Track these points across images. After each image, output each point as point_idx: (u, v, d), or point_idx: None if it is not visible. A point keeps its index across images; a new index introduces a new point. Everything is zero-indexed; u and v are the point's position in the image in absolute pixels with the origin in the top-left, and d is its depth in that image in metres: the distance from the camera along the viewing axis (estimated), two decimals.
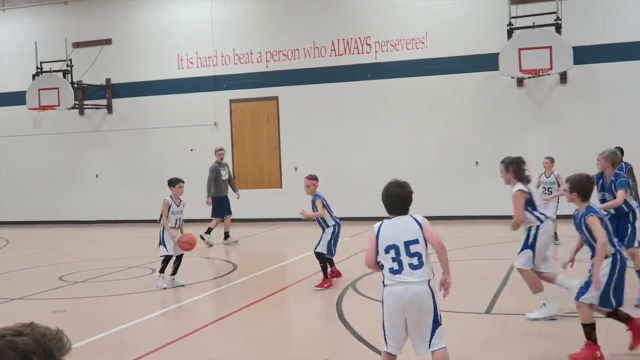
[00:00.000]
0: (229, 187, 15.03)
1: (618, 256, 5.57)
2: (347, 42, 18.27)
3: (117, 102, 20.52)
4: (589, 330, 5.60)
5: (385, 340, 4.75)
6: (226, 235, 14.73)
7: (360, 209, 15.77)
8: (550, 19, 15.49)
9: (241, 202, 17.96)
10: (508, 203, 7.56)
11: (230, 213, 14.89)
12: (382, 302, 4.73)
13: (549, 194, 12.42)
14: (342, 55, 18.31)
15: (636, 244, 7.84)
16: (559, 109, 16.68)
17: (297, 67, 18.66)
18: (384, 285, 4.71)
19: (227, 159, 19.35)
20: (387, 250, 4.67)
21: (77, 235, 18.25)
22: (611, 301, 5.55)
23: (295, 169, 17.82)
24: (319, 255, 9.27)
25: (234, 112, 19.40)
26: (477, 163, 17.06)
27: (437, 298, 4.64)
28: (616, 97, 16.20)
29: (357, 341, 6.59)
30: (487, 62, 16.23)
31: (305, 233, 15.35)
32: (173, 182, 9.96)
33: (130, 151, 20.34)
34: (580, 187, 5.70)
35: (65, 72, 19.44)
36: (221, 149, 15.22)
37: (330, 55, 18.41)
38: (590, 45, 16.00)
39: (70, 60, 19.67)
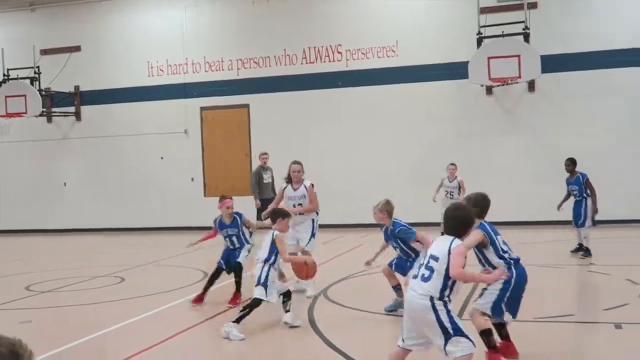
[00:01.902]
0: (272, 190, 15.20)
1: (514, 270, 5.66)
2: (318, 50, 18.30)
3: (85, 110, 20.29)
4: (486, 337, 5.59)
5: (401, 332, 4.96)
6: None
7: (333, 216, 15.75)
8: (519, 28, 15.69)
9: (212, 210, 17.81)
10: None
11: None
12: None
13: (450, 198, 13.52)
14: (313, 63, 18.34)
15: None
16: (528, 117, 16.88)
17: (268, 75, 18.64)
18: None
19: (197, 166, 19.31)
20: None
21: (45, 244, 17.96)
22: (503, 312, 5.66)
23: None
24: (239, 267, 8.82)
25: (205, 120, 19.31)
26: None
27: (444, 314, 4.65)
28: (583, 105, 16.45)
29: (328, 349, 6.56)
30: (457, 71, 16.39)
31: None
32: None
33: (99, 159, 20.11)
34: (478, 204, 5.91)
35: (32, 79, 19.17)
36: (265, 153, 15.48)
37: (302, 63, 18.42)
38: (558, 54, 16.25)
39: (38, 67, 19.41)
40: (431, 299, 4.66)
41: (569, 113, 16.55)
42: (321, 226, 9.92)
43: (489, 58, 15.28)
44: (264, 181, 15.18)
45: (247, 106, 18.91)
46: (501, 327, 5.85)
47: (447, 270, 4.68)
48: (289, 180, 9.57)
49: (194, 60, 19.29)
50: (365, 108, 17.93)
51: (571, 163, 11.73)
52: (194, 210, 19.07)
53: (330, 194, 17.00)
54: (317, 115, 18.31)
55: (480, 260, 5.83)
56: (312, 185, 9.53)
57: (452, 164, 13.66)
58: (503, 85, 15.98)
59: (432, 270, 4.73)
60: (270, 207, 9.28)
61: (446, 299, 4.69)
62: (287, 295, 7.49)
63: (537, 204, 15.62)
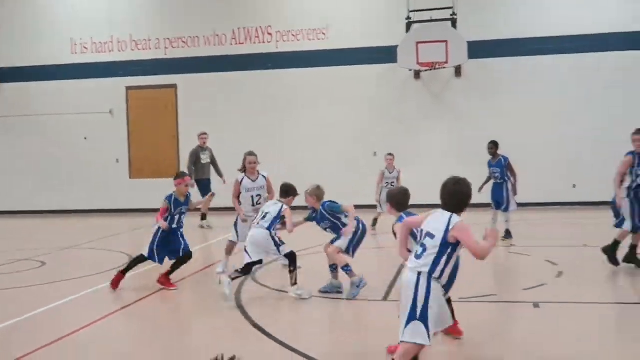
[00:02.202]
0: (213, 170, 15.24)
1: None
2: (248, 31, 18.10)
3: (5, 87, 19.47)
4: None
5: None
6: (203, 217, 15.01)
7: None
8: (447, 13, 15.91)
9: (140, 192, 17.59)
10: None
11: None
12: None
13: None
14: (242, 44, 18.14)
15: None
16: (455, 102, 17.19)
17: (196, 55, 18.33)
18: None
19: (123, 147, 18.87)
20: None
21: None
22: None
23: None
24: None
25: (131, 100, 18.85)
26: (375, 153, 17.33)
27: (422, 291, 4.53)
28: (508, 90, 16.86)
29: (257, 331, 6.53)
30: (386, 55, 16.51)
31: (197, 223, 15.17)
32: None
33: (20, 139, 19.37)
34: (395, 199, 6.14)
35: None
36: (204, 133, 15.21)
37: (231, 44, 18.19)
38: (484, 40, 16.56)
39: None
40: (418, 274, 4.58)
41: (495, 98, 16.93)
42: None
43: (417, 43, 15.46)
44: (202, 162, 15.02)
45: (174, 86, 18.55)
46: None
47: (442, 247, 4.58)
48: (243, 170, 9.51)
49: (119, 38, 18.76)
50: (295, 90, 17.87)
51: (494, 146, 11.96)
52: (119, 192, 18.67)
53: None
54: (246, 97, 18.14)
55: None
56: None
57: (390, 154, 13.22)
58: (431, 70, 16.20)
59: (424, 247, 4.63)
60: (234, 201, 9.41)
61: (434, 278, 4.56)
62: (292, 265, 7.90)
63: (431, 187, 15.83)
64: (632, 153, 8.82)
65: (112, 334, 6.82)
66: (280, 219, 8.09)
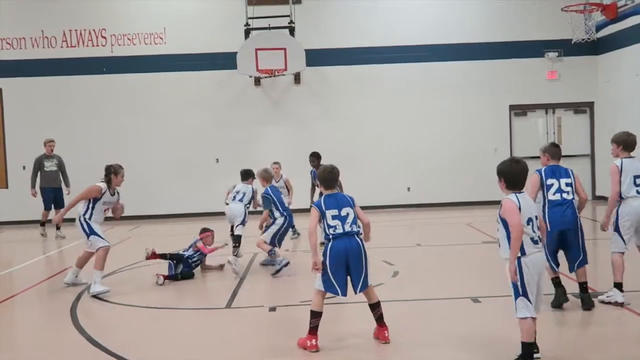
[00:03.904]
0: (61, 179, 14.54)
1: (329, 244, 5.85)
2: (81, 34, 17.32)
3: None
4: (312, 317, 5.83)
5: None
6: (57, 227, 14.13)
7: None
8: (285, 21, 16.15)
9: None
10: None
11: (59, 206, 14.03)
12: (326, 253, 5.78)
13: None
14: (74, 47, 17.33)
15: None
16: (294, 108, 17.49)
17: (23, 58, 17.25)
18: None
19: None
20: (527, 222, 5.08)
21: None
22: (335, 287, 5.79)
23: (24, 167, 16.47)
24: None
25: None
26: (217, 160, 17.24)
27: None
28: (344, 98, 17.42)
29: (92, 346, 6.25)
30: (226, 61, 16.45)
31: (31, 236, 14.32)
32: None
33: None
34: (320, 179, 6.20)
35: None
36: (51, 141, 14.51)
37: (62, 47, 17.31)
38: (321, 49, 17.00)
39: None
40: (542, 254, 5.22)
41: (331, 105, 17.42)
42: None
43: (256, 50, 15.55)
44: (46, 169, 14.34)
45: None
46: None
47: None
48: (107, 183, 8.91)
49: None
50: (133, 96, 17.34)
51: (315, 159, 12.16)
52: None
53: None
54: (79, 103, 17.32)
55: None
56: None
57: (276, 163, 12.84)
58: (270, 77, 16.37)
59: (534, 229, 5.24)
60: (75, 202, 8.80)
61: None
62: (237, 243, 10.01)
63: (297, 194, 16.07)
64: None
65: None
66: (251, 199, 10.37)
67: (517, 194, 5.10)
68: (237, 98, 17.41)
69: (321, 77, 17.35)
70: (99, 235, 8.59)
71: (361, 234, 5.95)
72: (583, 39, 15.88)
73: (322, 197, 6.00)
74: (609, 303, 6.86)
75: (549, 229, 6.54)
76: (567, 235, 6.81)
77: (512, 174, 5.14)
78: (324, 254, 5.81)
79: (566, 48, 16.89)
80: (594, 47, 16.93)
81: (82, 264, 8.85)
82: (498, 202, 5.21)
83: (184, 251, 9.47)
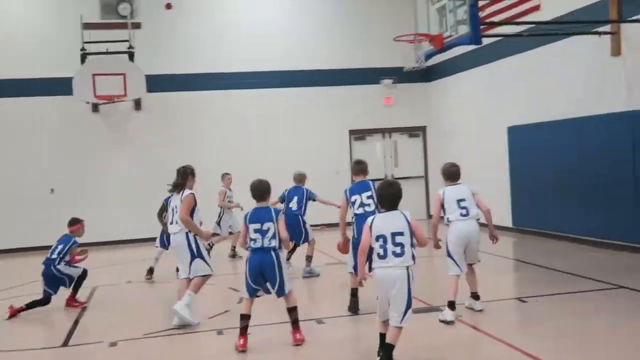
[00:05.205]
0: None
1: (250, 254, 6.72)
2: None
3: None
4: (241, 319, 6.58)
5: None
6: None
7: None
8: (124, 46, 15.79)
9: None
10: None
11: None
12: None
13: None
14: None
15: None
16: (135, 134, 17.09)
17: None
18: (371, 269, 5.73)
19: None
20: (377, 239, 5.54)
21: None
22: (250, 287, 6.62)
23: None
24: None
25: None
26: (52, 190, 16.44)
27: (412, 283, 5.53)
28: (186, 123, 17.27)
29: None
30: (62, 86, 15.70)
31: None
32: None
33: None
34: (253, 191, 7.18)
35: None
36: None
37: None
38: (162, 75, 16.79)
39: None
40: (406, 269, 5.58)
41: (174, 131, 17.17)
42: None
43: (93, 75, 15.11)
44: None
45: None
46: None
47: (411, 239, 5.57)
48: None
49: None
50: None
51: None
52: None
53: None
54: None
55: None
56: None
57: (228, 173, 13.35)
58: (109, 103, 15.89)
59: (402, 245, 5.54)
60: None
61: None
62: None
63: (140, 221, 15.62)
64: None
65: None
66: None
67: (381, 212, 5.77)
68: (75, 125, 16.72)
69: (163, 103, 17.09)
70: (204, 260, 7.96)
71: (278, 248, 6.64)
72: (414, 67, 16.84)
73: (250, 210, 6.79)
74: (443, 322, 7.20)
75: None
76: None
77: (378, 195, 5.93)
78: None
79: (401, 75, 17.80)
80: (426, 75, 18.01)
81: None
82: None
83: (50, 255, 9.04)
